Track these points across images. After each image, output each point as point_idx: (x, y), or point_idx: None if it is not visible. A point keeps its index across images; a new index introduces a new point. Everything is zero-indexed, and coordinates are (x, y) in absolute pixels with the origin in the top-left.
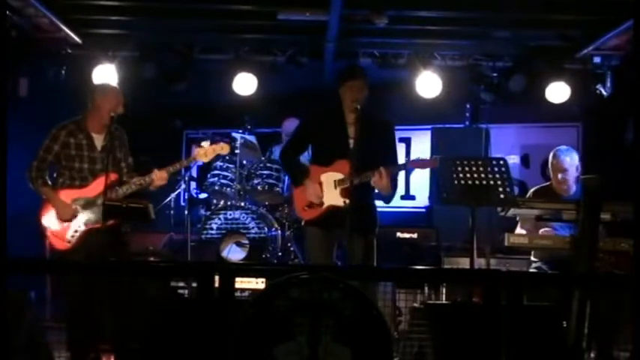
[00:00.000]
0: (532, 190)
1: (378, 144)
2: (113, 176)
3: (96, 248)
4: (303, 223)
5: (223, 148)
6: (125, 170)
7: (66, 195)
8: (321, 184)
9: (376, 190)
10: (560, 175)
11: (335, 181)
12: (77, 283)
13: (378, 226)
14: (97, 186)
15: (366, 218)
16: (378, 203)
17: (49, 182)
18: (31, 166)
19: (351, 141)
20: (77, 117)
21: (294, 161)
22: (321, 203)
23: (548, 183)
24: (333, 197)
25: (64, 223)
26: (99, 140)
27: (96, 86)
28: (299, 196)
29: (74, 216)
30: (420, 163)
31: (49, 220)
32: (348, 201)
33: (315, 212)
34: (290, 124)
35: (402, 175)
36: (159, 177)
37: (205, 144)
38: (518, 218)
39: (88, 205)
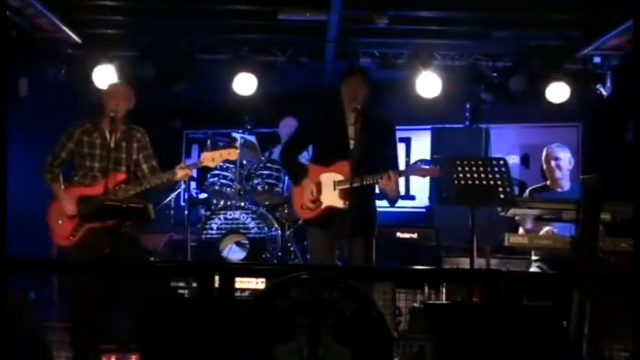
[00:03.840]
0: (529, 189)
1: (379, 145)
2: (120, 176)
3: (99, 247)
4: (300, 221)
5: (230, 154)
6: (147, 172)
7: (74, 192)
8: (319, 184)
9: (377, 191)
10: (553, 163)
11: (334, 181)
12: (80, 283)
13: (376, 228)
14: (104, 185)
15: (365, 220)
16: (379, 203)
17: (61, 179)
18: (45, 162)
19: (352, 142)
20: (97, 117)
21: (294, 160)
22: (319, 203)
23: (544, 183)
24: (332, 198)
25: (67, 221)
26: (114, 140)
27: (107, 85)
28: (297, 195)
29: (76, 213)
30: (421, 171)
31: (54, 216)
32: (347, 202)
33: (313, 212)
34: (287, 124)
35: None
36: (182, 174)
37: (208, 153)
38: (517, 219)
39: (92, 203)
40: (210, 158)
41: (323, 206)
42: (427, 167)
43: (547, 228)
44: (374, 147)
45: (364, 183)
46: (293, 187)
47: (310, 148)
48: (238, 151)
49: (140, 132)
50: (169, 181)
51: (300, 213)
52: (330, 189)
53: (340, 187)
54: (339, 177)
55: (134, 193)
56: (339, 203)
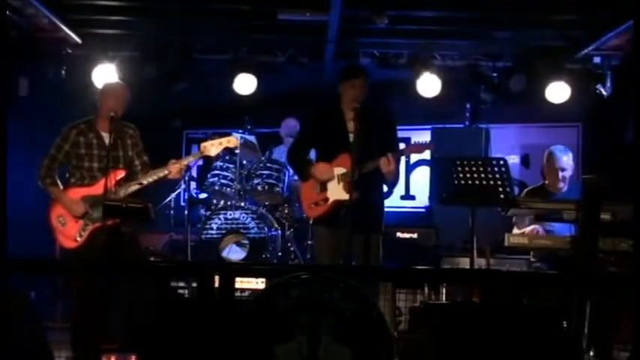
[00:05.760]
0: (525, 190)
1: (379, 136)
2: (119, 173)
3: (102, 247)
4: (311, 222)
5: (230, 141)
6: (139, 168)
7: (75, 193)
8: (325, 180)
9: (385, 190)
10: (560, 174)
11: (338, 175)
12: (81, 283)
13: (383, 226)
14: (105, 184)
15: (369, 216)
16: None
17: (59, 182)
18: (41, 165)
19: (351, 135)
20: (89, 117)
21: (300, 159)
22: (326, 199)
23: (540, 183)
24: (337, 192)
25: (72, 222)
26: (109, 139)
27: (102, 85)
28: (306, 193)
29: (85, 213)
30: (417, 148)
31: (57, 218)
32: (353, 194)
33: (322, 209)
34: (289, 124)
35: (402, 174)
36: (176, 170)
37: (208, 142)
38: (514, 220)
39: (96, 203)
40: (210, 147)
41: (330, 201)
42: (422, 143)
43: (533, 226)
44: (373, 138)
45: (363, 171)
46: (301, 188)
47: (313, 151)
48: (238, 140)
49: (132, 128)
50: (165, 178)
51: (309, 212)
52: (334, 183)
53: (344, 180)
54: (342, 170)
55: (135, 190)
56: (344, 196)
